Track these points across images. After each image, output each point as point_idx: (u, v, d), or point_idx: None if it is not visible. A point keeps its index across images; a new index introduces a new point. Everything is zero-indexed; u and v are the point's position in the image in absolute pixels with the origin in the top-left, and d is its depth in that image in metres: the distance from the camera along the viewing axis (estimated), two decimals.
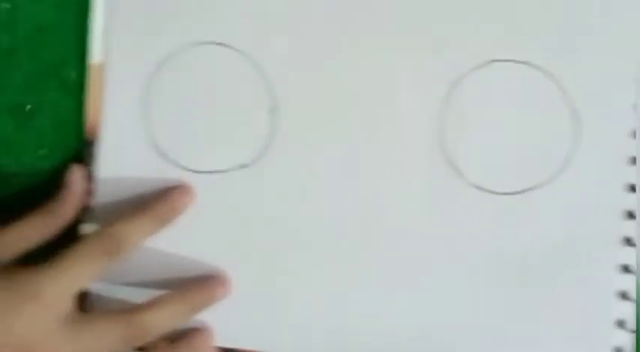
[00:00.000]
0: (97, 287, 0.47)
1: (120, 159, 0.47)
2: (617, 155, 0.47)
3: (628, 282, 0.47)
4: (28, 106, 0.47)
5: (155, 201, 0.45)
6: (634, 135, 0.47)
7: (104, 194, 0.46)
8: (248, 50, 0.47)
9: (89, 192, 0.46)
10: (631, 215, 0.47)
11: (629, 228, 0.47)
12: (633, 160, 0.47)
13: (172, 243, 0.46)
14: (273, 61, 0.47)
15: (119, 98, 0.46)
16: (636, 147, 0.47)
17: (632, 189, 0.47)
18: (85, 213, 0.46)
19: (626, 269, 0.47)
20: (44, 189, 0.47)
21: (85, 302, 0.46)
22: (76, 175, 0.45)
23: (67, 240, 0.45)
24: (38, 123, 0.47)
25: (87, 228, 0.46)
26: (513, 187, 0.47)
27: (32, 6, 0.47)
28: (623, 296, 0.47)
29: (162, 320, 0.43)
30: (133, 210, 0.44)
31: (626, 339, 0.47)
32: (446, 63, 0.47)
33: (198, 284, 0.45)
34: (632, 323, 0.46)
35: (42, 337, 0.41)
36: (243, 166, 0.47)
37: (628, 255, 0.47)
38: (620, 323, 0.47)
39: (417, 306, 0.47)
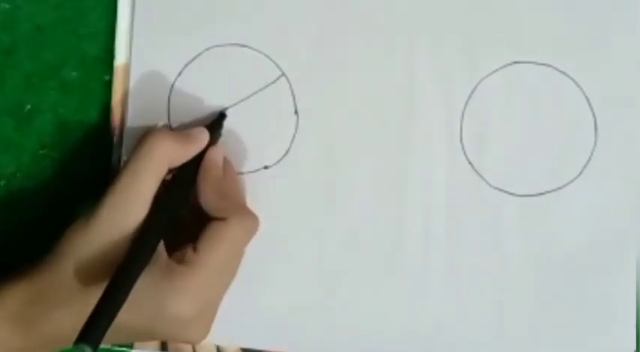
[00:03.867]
0: None
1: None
2: (636, 156, 0.47)
3: None
4: (28, 106, 0.47)
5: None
6: None
7: None
8: (271, 52, 0.47)
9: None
10: None
11: None
12: None
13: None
14: (295, 63, 0.47)
15: (144, 99, 0.47)
16: None
17: None
18: None
19: None
20: (44, 190, 0.48)
21: None
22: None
23: None
24: (38, 123, 0.48)
25: None
26: (535, 189, 0.47)
27: (32, 6, 0.47)
28: None
29: None
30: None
31: None
32: (468, 64, 0.47)
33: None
34: None
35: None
36: (268, 167, 0.47)
37: None
38: None
39: (441, 307, 0.47)
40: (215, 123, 0.46)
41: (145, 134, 0.42)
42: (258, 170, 0.47)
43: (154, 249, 0.41)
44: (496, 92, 0.47)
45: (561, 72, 0.47)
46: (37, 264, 0.42)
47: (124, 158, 0.47)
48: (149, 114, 0.47)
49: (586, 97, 0.46)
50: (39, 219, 0.48)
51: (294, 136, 0.47)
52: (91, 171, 0.48)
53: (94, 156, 0.48)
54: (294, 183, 0.47)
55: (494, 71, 0.47)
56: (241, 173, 0.47)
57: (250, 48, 0.47)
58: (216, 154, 0.45)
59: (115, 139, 0.47)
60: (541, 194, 0.47)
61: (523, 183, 0.47)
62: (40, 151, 0.48)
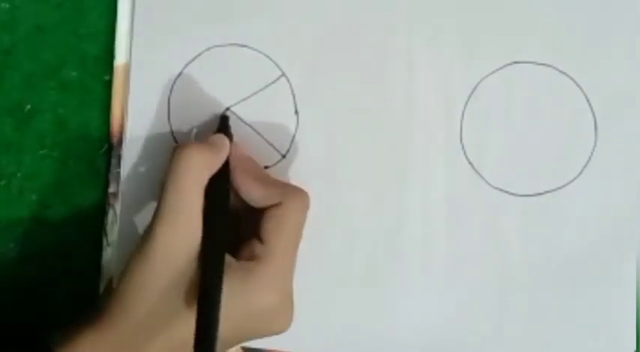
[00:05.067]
0: None
1: (145, 160, 0.47)
2: (636, 156, 0.47)
3: None
4: (28, 106, 0.47)
5: None
6: None
7: (129, 194, 0.47)
8: (271, 52, 0.47)
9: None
10: None
11: None
12: None
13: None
14: (295, 63, 0.47)
15: (144, 99, 0.47)
16: None
17: None
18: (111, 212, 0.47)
19: None
20: (44, 190, 0.48)
21: None
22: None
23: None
24: (38, 123, 0.48)
25: (113, 229, 0.47)
26: (535, 189, 0.47)
27: (32, 6, 0.47)
28: None
29: None
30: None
31: None
32: (468, 64, 0.47)
33: None
34: None
35: None
36: (268, 167, 0.47)
37: None
38: None
39: (441, 307, 0.47)
40: (222, 127, 0.45)
41: (175, 150, 0.41)
42: None
43: (223, 258, 0.41)
44: (496, 92, 0.47)
45: (561, 72, 0.47)
46: (104, 314, 0.41)
47: (123, 158, 0.47)
48: (149, 115, 0.47)
49: (586, 97, 0.46)
50: (38, 219, 0.48)
51: (294, 136, 0.47)
52: (90, 171, 0.48)
53: (94, 156, 0.48)
54: (294, 182, 0.46)
55: (494, 71, 0.47)
56: None
57: (250, 48, 0.47)
58: (240, 149, 0.45)
59: (115, 139, 0.47)
60: (541, 194, 0.47)
61: (523, 183, 0.47)
62: (40, 151, 0.47)
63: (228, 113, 0.47)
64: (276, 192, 0.43)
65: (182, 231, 0.40)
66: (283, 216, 0.42)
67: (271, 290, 0.41)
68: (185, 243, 0.40)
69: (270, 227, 0.42)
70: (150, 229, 0.41)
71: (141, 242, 0.41)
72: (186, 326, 0.39)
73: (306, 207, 0.43)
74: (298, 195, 0.43)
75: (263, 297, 0.41)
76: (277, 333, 0.42)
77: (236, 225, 0.44)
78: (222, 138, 0.44)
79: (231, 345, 0.42)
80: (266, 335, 0.43)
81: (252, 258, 0.42)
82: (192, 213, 0.41)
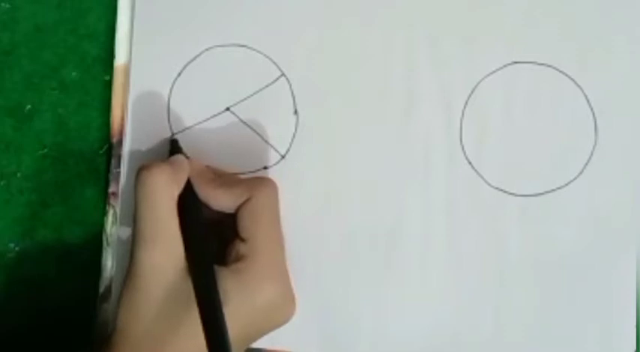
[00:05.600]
0: None
1: (145, 160, 0.46)
2: (636, 156, 0.47)
3: None
4: (28, 106, 0.47)
5: None
6: None
7: (129, 194, 0.46)
8: (271, 52, 0.47)
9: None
10: None
11: None
12: None
13: None
14: (295, 63, 0.47)
15: (144, 99, 0.47)
16: None
17: None
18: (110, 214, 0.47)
19: None
20: (44, 190, 0.48)
21: None
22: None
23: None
24: (38, 123, 0.48)
25: (113, 229, 0.47)
26: (535, 189, 0.47)
27: (32, 6, 0.47)
28: None
29: None
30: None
31: None
32: (467, 64, 0.47)
33: None
34: None
35: None
36: (267, 167, 0.47)
37: None
38: None
39: (440, 307, 0.47)
40: (174, 151, 0.46)
41: (139, 173, 0.42)
42: (258, 170, 0.47)
43: (212, 266, 0.41)
44: (496, 92, 0.47)
45: (561, 72, 0.47)
46: (109, 343, 0.42)
47: (123, 158, 0.47)
48: (149, 115, 0.47)
49: (586, 97, 0.46)
50: (38, 219, 0.48)
51: (294, 136, 0.47)
52: (90, 171, 0.48)
53: (94, 156, 0.48)
54: (294, 183, 0.47)
55: (494, 71, 0.47)
56: (241, 173, 0.46)
57: (250, 48, 0.47)
58: (196, 163, 0.45)
59: (115, 139, 0.47)
60: (541, 194, 0.47)
61: (523, 183, 0.47)
62: (40, 151, 0.48)
63: (227, 112, 0.47)
64: (242, 189, 0.43)
65: (165, 251, 0.41)
66: (255, 208, 0.43)
67: (266, 284, 0.42)
68: (170, 261, 0.41)
69: (246, 223, 0.43)
70: (133, 255, 0.42)
71: (128, 268, 0.42)
72: (191, 335, 0.40)
73: (273, 191, 0.44)
74: (263, 183, 0.44)
75: (261, 293, 0.42)
76: (285, 322, 0.43)
77: (218, 234, 0.44)
78: (179, 156, 0.44)
79: (244, 347, 0.43)
80: (275, 328, 0.43)
81: (239, 258, 0.42)
82: (170, 230, 0.41)
